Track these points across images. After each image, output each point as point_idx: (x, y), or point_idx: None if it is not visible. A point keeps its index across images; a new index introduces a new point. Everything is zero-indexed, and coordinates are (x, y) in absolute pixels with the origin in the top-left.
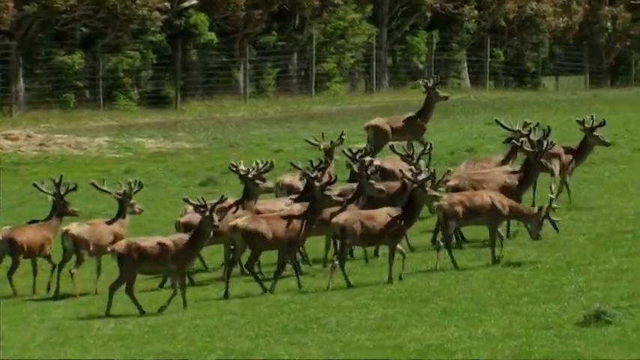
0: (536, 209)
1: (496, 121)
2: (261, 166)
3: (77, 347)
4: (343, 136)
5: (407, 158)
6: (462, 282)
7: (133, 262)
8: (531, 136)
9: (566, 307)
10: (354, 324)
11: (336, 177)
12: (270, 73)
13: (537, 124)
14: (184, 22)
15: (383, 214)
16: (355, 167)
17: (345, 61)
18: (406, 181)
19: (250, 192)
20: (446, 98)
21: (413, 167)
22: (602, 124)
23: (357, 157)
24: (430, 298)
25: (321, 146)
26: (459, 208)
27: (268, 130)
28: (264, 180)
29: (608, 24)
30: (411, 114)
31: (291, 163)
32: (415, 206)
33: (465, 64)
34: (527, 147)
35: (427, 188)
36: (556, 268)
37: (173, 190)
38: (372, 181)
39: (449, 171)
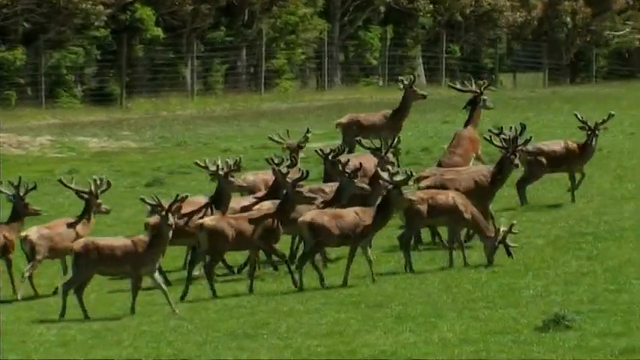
0: (494, 231)
1: (450, 85)
2: (231, 163)
3: (19, 353)
4: (308, 135)
5: (376, 152)
6: (416, 286)
7: (90, 261)
8: (503, 134)
9: (524, 311)
10: (305, 329)
11: (307, 172)
12: (218, 69)
13: (493, 78)
14: (129, 16)
15: (351, 214)
16: (340, 167)
17: (295, 57)
18: (381, 182)
19: (223, 190)
20: (424, 97)
21: (389, 167)
22: (609, 117)
23: (330, 156)
24: (384, 302)
25: (285, 145)
26: (422, 207)
27: (216, 129)
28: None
29: (568, 19)
30: (387, 111)
31: (267, 159)
32: (388, 209)
33: (420, 61)
34: (498, 142)
35: (403, 191)
36: (514, 271)
37: (118, 191)
38: (355, 180)
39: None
